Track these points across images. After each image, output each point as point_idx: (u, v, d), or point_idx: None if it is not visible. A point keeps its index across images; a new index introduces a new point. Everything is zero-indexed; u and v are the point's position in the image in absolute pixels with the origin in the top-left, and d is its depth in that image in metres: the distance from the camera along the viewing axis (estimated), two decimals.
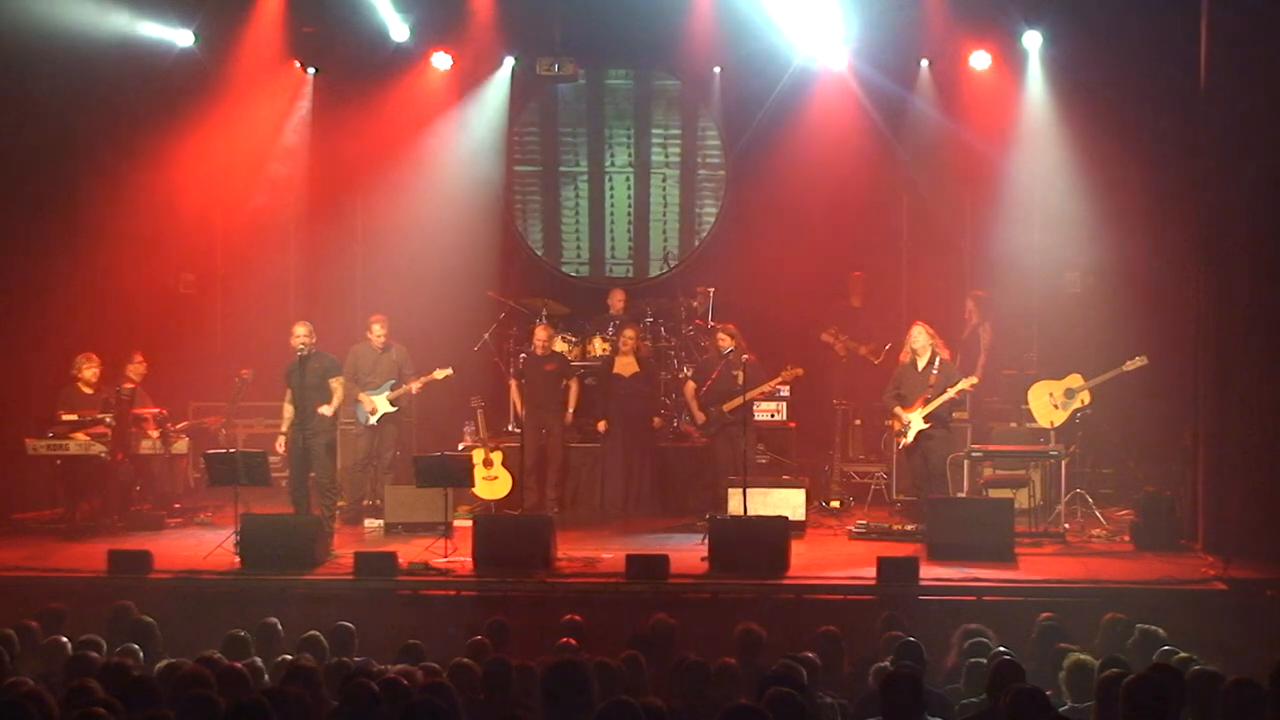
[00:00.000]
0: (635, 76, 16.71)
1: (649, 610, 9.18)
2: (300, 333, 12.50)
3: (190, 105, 14.72)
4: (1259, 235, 11.65)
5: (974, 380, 12.98)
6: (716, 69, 16.09)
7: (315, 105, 15.54)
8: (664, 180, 16.71)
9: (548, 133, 16.81)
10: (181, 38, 14.78)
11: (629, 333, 14.11)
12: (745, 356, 13.22)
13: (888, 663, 7.43)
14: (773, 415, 14.26)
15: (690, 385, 13.82)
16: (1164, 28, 13.49)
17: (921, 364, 12.83)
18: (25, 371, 13.70)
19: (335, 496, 12.69)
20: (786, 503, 12.49)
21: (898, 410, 12.82)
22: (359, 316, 14.72)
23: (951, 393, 12.65)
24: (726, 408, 13.35)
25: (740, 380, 13.13)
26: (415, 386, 13.63)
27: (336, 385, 12.62)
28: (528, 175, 16.87)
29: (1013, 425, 13.96)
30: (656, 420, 14.05)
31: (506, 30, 15.38)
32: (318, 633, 8.34)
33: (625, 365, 14.00)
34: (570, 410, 13.95)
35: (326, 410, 12.37)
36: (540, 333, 14.06)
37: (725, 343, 13.49)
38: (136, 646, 8.03)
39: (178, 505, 13.62)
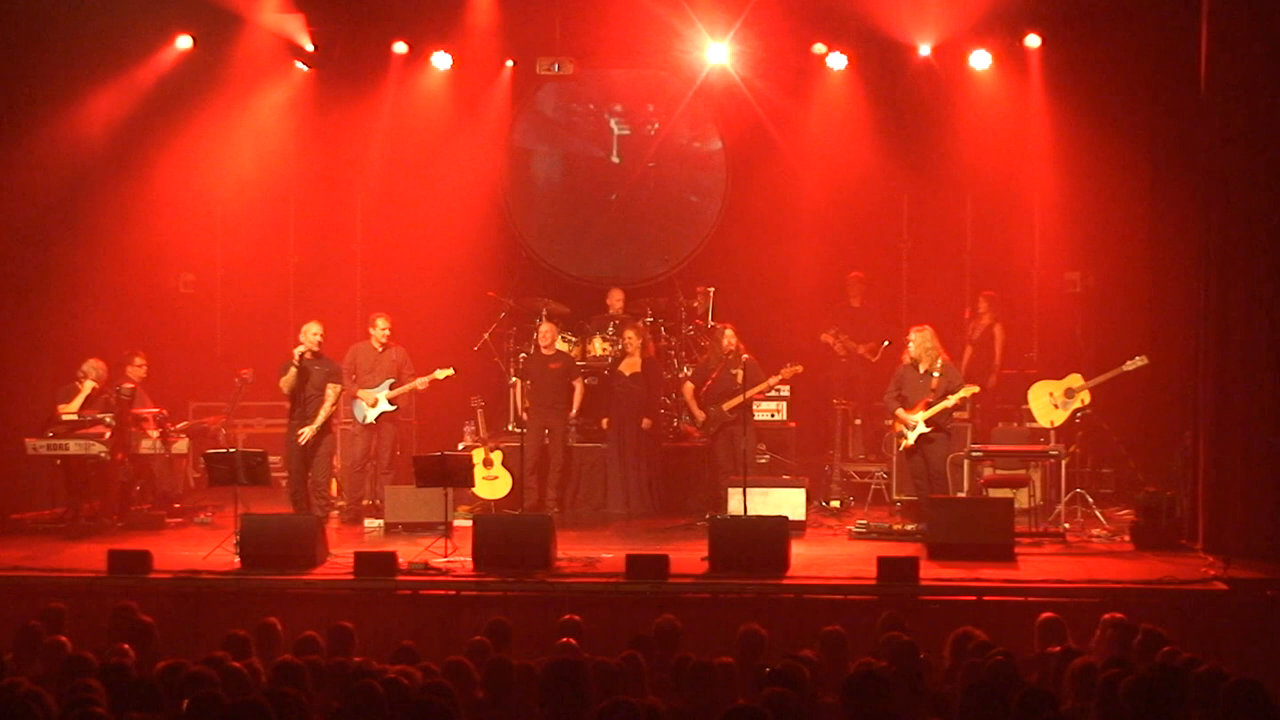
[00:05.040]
0: (633, 74, 16.67)
1: (649, 610, 9.16)
2: (312, 332, 12.55)
3: (190, 105, 14.70)
4: (1259, 235, 11.62)
5: (975, 389, 13.02)
6: (716, 63, 16.05)
7: (315, 105, 15.51)
8: (663, 179, 16.69)
9: (546, 131, 16.80)
10: (181, 37, 14.76)
11: (634, 333, 14.07)
12: (745, 356, 13.23)
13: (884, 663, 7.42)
14: (773, 415, 14.29)
15: (689, 385, 13.82)
16: (1164, 28, 13.50)
17: (924, 366, 12.82)
18: (25, 371, 13.70)
19: (324, 497, 12.82)
20: (786, 502, 12.48)
21: (900, 412, 12.81)
22: (359, 316, 14.72)
23: (953, 400, 12.66)
24: (726, 407, 13.36)
25: (740, 379, 13.13)
26: (421, 384, 13.60)
27: (331, 393, 12.64)
28: (527, 174, 16.85)
29: (1013, 425, 13.97)
30: (646, 421, 13.93)
31: (506, 29, 15.36)
32: (316, 633, 8.33)
33: (629, 365, 13.98)
34: (574, 410, 13.95)
35: (307, 433, 12.45)
36: (546, 331, 14.06)
37: (728, 343, 13.47)
38: (135, 646, 8.01)
39: (178, 505, 13.60)
